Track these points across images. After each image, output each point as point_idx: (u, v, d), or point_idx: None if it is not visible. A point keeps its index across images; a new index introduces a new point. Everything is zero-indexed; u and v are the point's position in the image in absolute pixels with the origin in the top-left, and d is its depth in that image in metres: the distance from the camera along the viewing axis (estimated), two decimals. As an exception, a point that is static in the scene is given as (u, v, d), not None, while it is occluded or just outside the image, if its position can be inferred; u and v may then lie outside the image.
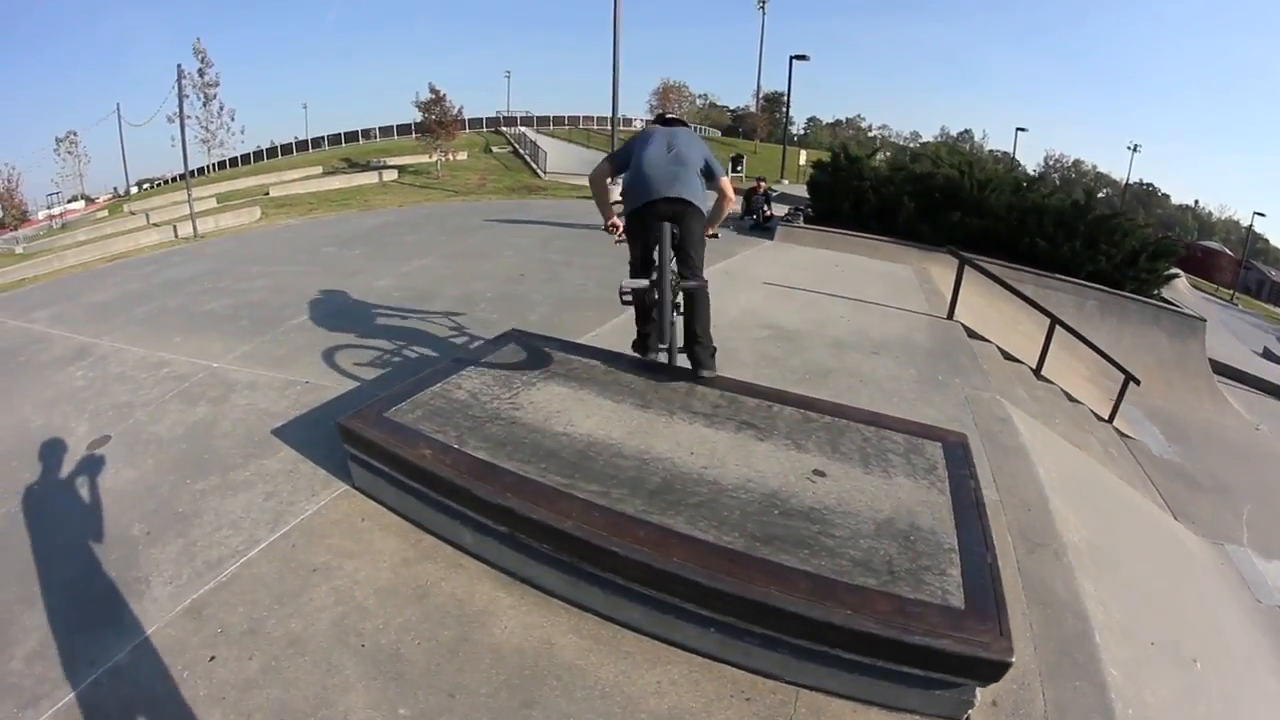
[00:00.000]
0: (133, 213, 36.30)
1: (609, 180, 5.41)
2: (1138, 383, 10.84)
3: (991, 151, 79.96)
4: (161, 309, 9.32)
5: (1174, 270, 17.56)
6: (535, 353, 5.33)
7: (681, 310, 4.98)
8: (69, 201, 60.61)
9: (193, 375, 6.63)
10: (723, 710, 2.85)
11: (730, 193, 5.29)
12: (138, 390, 6.48)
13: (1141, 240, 15.45)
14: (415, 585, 3.64)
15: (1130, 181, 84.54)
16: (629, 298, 5.07)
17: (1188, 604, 5.71)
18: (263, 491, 4.50)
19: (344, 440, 4.25)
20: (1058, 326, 9.77)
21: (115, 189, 68.34)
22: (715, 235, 5.52)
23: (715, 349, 5.03)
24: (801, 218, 16.84)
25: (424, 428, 4.10)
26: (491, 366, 5.04)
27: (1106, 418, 10.46)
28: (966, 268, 9.90)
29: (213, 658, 3.25)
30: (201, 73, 35.34)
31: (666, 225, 4.79)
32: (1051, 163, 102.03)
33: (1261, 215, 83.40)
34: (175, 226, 26.59)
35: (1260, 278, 61.26)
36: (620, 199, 5.29)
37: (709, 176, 5.16)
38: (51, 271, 22.07)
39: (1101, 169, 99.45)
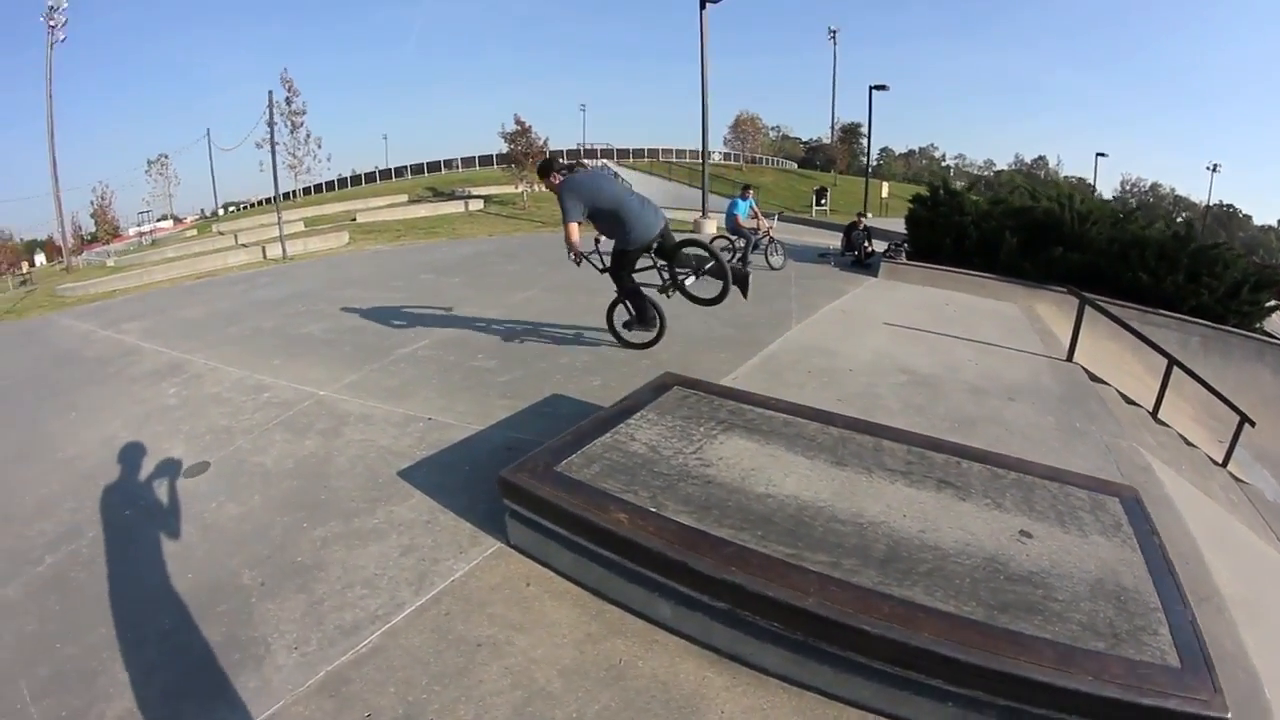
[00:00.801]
0: (220, 233, 37.27)
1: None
2: (1252, 424, 10.33)
3: (1067, 178, 78.57)
4: (256, 329, 9.46)
5: (1276, 302, 17.00)
6: (702, 400, 4.98)
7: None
8: (158, 220, 64.85)
9: (297, 403, 6.51)
10: None
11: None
12: (237, 415, 6.37)
13: (1243, 272, 14.86)
14: (607, 665, 3.24)
15: (1210, 204, 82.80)
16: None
17: None
18: (398, 544, 4.17)
19: (506, 496, 3.97)
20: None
21: (201, 210, 72.54)
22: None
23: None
24: (903, 254, 16.64)
25: (608, 486, 3.83)
26: (661, 415, 4.74)
27: (1221, 462, 9.97)
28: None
29: None
30: (289, 101, 36.68)
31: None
32: (1128, 187, 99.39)
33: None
34: (264, 248, 27.03)
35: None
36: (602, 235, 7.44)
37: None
38: (141, 285, 22.55)
39: (1180, 191, 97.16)
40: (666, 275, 7.72)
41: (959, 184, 18.51)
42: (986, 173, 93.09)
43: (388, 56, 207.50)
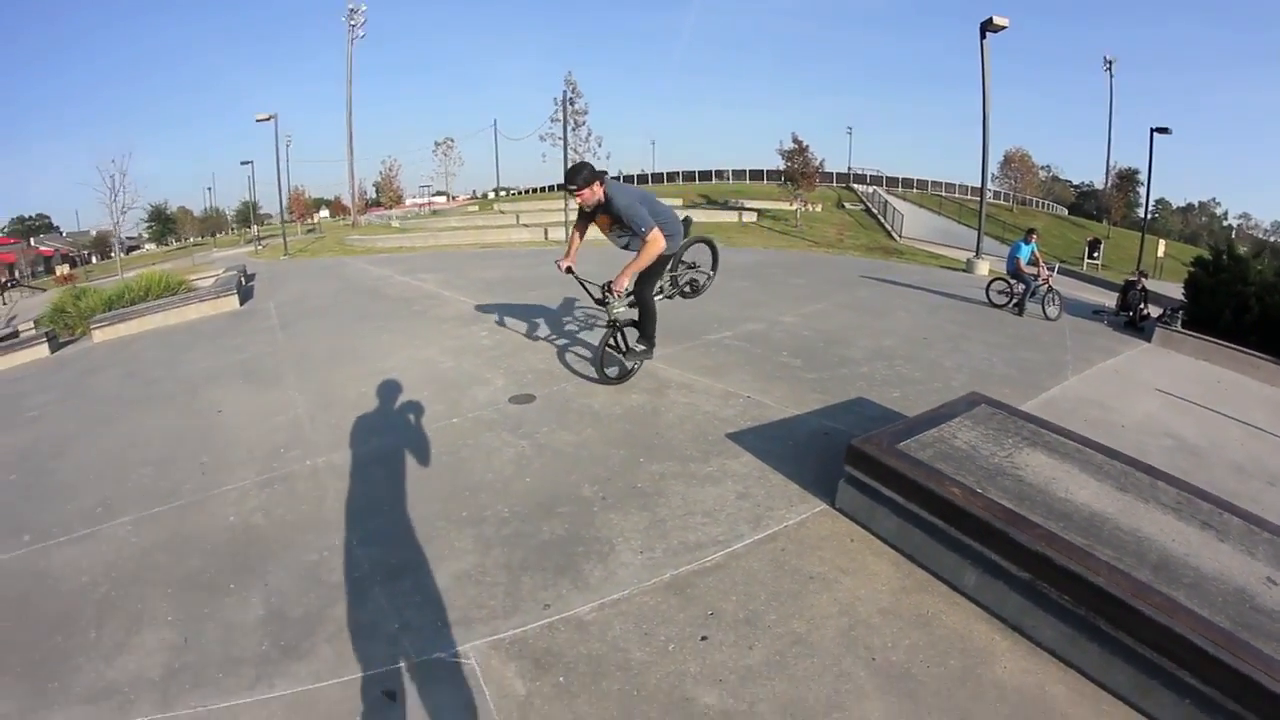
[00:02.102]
0: (502, 212, 40.17)
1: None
2: None
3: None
4: (549, 297, 10.44)
5: None
6: (1007, 419, 5.53)
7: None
8: (434, 195, 74.93)
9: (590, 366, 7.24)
10: None
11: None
12: (553, 362, 7.27)
13: None
14: (916, 613, 3.88)
15: None
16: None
17: None
18: (733, 490, 4.93)
19: (849, 462, 4.74)
20: None
21: (474, 191, 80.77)
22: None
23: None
24: (1179, 321, 16.25)
25: (941, 467, 4.49)
26: (975, 424, 5.33)
27: None
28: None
29: (704, 638, 3.56)
30: (572, 101, 39.07)
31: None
32: None
33: None
34: (546, 230, 28.88)
35: None
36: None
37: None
38: (426, 246, 24.86)
39: None
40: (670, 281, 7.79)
41: (1243, 249, 17.42)
42: (1275, 236, 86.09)
43: (657, 65, 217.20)
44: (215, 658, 3.41)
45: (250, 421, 6.10)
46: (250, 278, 16.54)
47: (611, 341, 6.93)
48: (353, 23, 48.71)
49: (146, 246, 73.27)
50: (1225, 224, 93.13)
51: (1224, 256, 16.51)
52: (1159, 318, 15.83)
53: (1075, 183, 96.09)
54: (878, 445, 4.70)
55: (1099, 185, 76.02)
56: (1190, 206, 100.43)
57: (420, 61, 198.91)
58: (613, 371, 7.02)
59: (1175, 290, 18.44)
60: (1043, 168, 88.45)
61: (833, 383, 7.32)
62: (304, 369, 7.34)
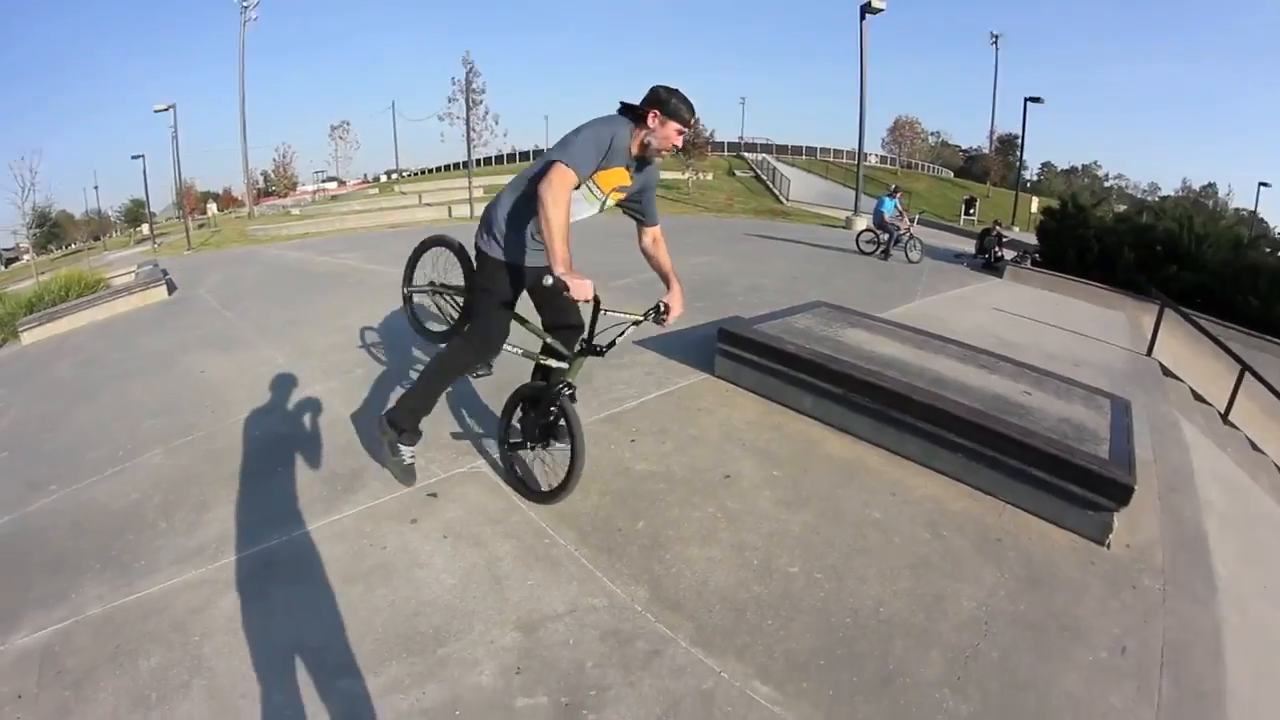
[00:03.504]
0: (403, 192, 40.76)
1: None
2: None
3: (1237, 210, 75.65)
4: None
5: None
6: (839, 313, 7.37)
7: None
8: (324, 181, 72.39)
9: None
10: (959, 500, 4.75)
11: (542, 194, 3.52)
12: None
13: None
14: (772, 424, 5.63)
15: None
16: None
17: None
18: (642, 372, 6.50)
19: (721, 340, 6.38)
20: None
21: (365, 175, 79.13)
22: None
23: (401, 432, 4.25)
24: (1029, 261, 18.19)
25: (784, 336, 6.26)
26: (814, 318, 7.04)
27: None
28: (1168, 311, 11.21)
29: (633, 440, 5.19)
30: (469, 80, 39.58)
31: None
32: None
33: None
34: (449, 207, 29.81)
35: None
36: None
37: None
38: (333, 230, 25.12)
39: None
40: None
41: (1085, 199, 19.61)
42: (1150, 196, 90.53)
43: (549, 40, 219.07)
44: (286, 508, 4.30)
45: (237, 375, 6.69)
46: (164, 273, 15.73)
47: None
48: (245, 3, 48.46)
49: (25, 257, 68.94)
50: (1106, 185, 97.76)
51: (1069, 206, 18.84)
52: (1013, 259, 17.72)
53: (964, 147, 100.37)
54: (740, 326, 6.52)
55: (987, 150, 79.29)
56: (1073, 169, 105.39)
57: (313, 40, 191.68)
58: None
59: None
60: (932, 133, 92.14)
61: (715, 309, 8.69)
62: (269, 334, 7.90)
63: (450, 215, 28.84)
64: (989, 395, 5.51)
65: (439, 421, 5.16)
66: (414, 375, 6.01)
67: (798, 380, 5.80)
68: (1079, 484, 4.53)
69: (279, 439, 5.20)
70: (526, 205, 3.90)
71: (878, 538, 4.30)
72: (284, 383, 6.16)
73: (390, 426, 4.19)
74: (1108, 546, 4.48)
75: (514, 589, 3.56)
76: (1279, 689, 4.06)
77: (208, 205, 57.47)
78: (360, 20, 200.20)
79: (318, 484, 4.50)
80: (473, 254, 4.15)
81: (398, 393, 5.31)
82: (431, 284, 4.90)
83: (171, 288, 12.31)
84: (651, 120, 3.88)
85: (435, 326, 5.20)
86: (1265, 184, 65.76)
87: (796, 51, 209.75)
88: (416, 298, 5.10)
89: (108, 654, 3.11)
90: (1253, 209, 67.27)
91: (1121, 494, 4.43)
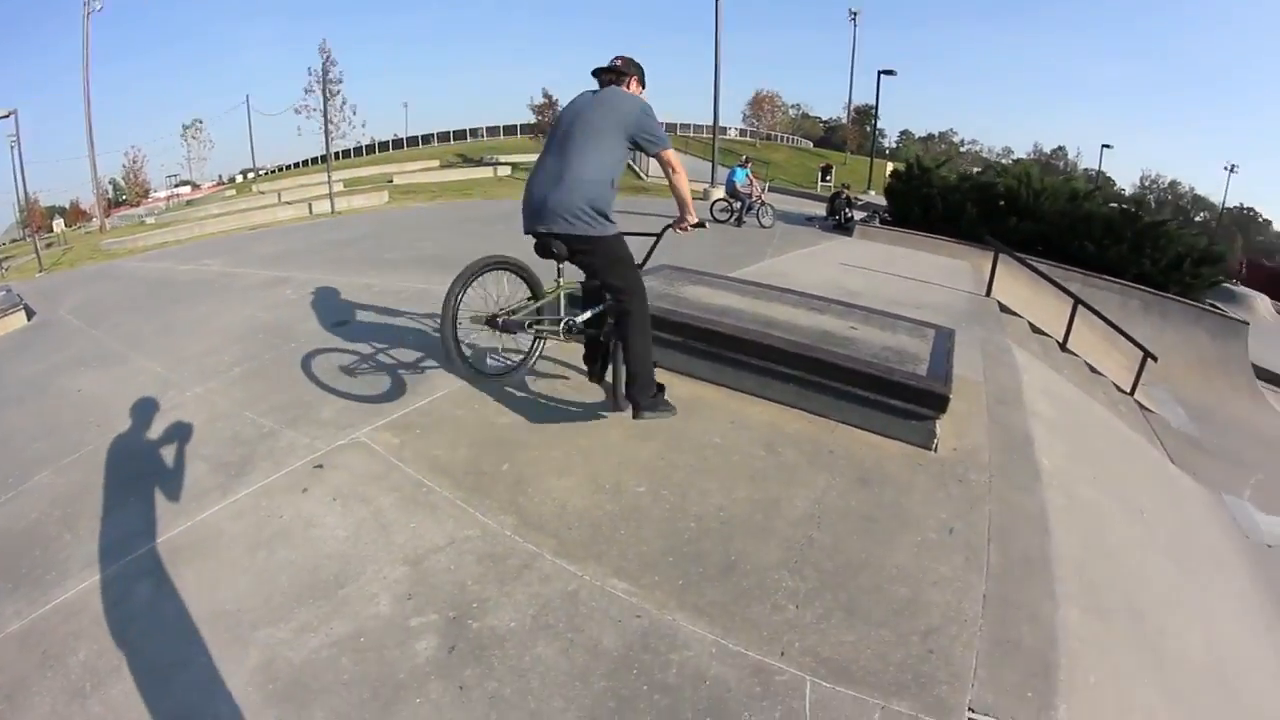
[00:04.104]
0: (262, 192, 39.59)
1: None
2: (1154, 359, 12.01)
3: (1086, 170, 79.32)
4: (340, 257, 11.28)
5: (1221, 277, 18.93)
6: (682, 274, 7.72)
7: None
8: (177, 186, 66.80)
9: (404, 291, 8.46)
10: (793, 422, 5.20)
11: (676, 173, 4.64)
12: (356, 300, 8.13)
13: (1187, 247, 16.87)
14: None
15: (1230, 205, 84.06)
16: None
17: (1158, 495, 7.21)
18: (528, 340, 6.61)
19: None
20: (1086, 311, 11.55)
21: (220, 176, 74.57)
22: (700, 224, 5.17)
23: (658, 389, 4.62)
24: (877, 220, 19.09)
25: None
26: (655, 279, 7.19)
27: (1129, 390, 11.83)
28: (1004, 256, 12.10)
29: (499, 400, 5.43)
30: (326, 70, 38.67)
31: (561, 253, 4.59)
32: (1148, 184, 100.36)
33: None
34: (310, 205, 29.19)
35: (1369, 309, 59.60)
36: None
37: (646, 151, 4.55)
38: (192, 237, 24.05)
39: (1201, 191, 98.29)
40: None
41: (929, 160, 20.66)
42: (1003, 159, 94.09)
43: (406, 21, 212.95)
44: (185, 498, 4.37)
45: (116, 389, 6.47)
46: (20, 298, 14.66)
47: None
48: (87, -9, 44.99)
49: None
50: (962, 150, 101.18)
51: (914, 168, 19.89)
52: (862, 219, 18.55)
53: (824, 119, 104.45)
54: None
55: (846, 121, 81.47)
56: (931, 136, 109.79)
57: (162, 34, 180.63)
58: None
59: (893, 203, 21.38)
60: (793, 106, 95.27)
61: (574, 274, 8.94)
62: (141, 346, 7.68)
63: (311, 212, 28.27)
64: (817, 331, 6.02)
65: (315, 404, 5.42)
66: (296, 366, 6.22)
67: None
68: (900, 398, 5.06)
69: (168, 440, 5.26)
70: (611, 188, 4.43)
71: (718, 458, 4.72)
72: (164, 389, 6.14)
73: (652, 400, 4.54)
74: (935, 450, 4.98)
75: (399, 532, 3.88)
76: (1105, 554, 4.76)
77: (53, 222, 53.85)
78: (208, 9, 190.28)
79: (211, 474, 4.62)
80: (578, 238, 4.42)
81: (493, 387, 5.69)
82: (507, 315, 4.94)
83: (30, 313, 11.88)
84: (634, 86, 4.72)
85: (494, 364, 5.62)
86: (1108, 145, 70.16)
87: (657, 26, 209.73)
88: (463, 335, 4.80)
89: (35, 661, 3.22)
90: (1099, 168, 71.18)
91: (938, 403, 4.95)
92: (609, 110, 4.44)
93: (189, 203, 49.00)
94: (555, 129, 4.63)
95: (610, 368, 4.90)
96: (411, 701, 2.88)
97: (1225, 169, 77.78)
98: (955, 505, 4.39)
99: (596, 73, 4.71)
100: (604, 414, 5.24)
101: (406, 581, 3.53)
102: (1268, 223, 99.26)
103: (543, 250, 4.59)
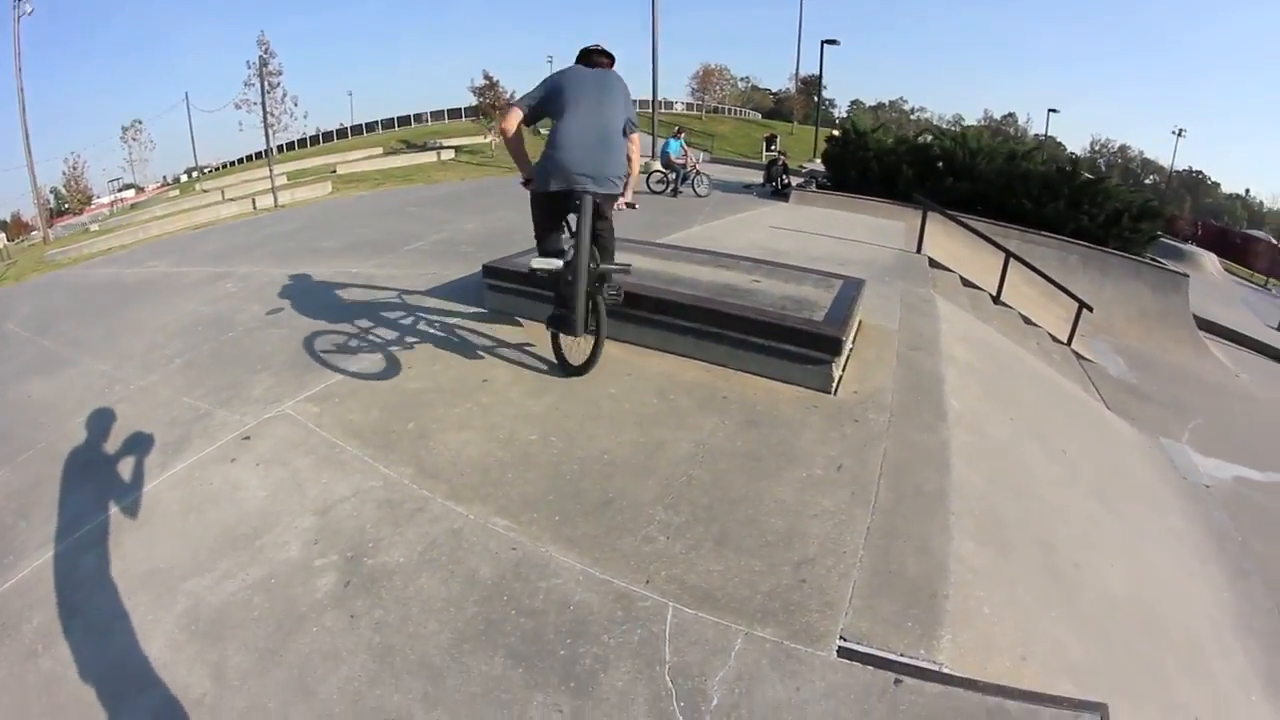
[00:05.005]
0: (205, 190, 38.77)
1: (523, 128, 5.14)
2: (1089, 309, 11.99)
3: (1037, 135, 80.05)
4: (281, 249, 11.27)
5: (1160, 232, 19.19)
6: None
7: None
8: (120, 191, 64.67)
9: (338, 276, 8.63)
10: (690, 372, 5.37)
11: (637, 154, 5.24)
12: (297, 287, 8.34)
13: (1125, 202, 17.01)
14: (532, 337, 6.05)
15: (1179, 169, 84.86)
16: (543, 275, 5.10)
17: (1088, 438, 7.22)
18: (442, 307, 6.96)
19: (487, 275, 6.73)
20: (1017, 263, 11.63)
21: (164, 177, 71.07)
22: (633, 205, 5.94)
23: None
24: (814, 184, 19.18)
25: (537, 264, 6.42)
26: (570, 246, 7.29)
27: (1065, 341, 11.80)
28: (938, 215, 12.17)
29: (411, 368, 5.52)
30: (264, 62, 37.91)
31: (588, 209, 4.75)
32: (1098, 148, 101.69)
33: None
34: (253, 200, 28.70)
35: (1308, 267, 60.98)
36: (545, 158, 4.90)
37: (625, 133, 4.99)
38: (137, 240, 23.58)
39: (1150, 155, 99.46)
40: None
41: (866, 125, 20.83)
42: (954, 127, 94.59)
43: (351, 12, 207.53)
44: (128, 477, 4.56)
45: (65, 390, 6.46)
46: None
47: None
48: (15, -6, 44.09)
49: None
50: (912, 118, 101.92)
51: (851, 132, 19.97)
52: (798, 185, 18.62)
53: (773, 90, 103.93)
54: (503, 261, 6.85)
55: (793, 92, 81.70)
56: (882, 104, 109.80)
57: (97, 35, 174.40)
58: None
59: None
60: (742, 79, 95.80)
61: (496, 255, 8.85)
62: (89, 349, 7.56)
63: (255, 207, 27.80)
64: (719, 285, 6.11)
65: (247, 384, 5.61)
66: (233, 353, 6.44)
67: (549, 297, 6.10)
68: (795, 343, 5.16)
69: (114, 430, 5.35)
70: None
71: (610, 406, 4.89)
72: (111, 385, 6.21)
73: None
74: (835, 394, 5.07)
75: (311, 488, 4.14)
76: (1015, 490, 4.74)
77: (-10, 238, 52.09)
78: (142, 6, 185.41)
79: (152, 453, 4.79)
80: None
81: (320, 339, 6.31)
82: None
83: (-27, 329, 11.77)
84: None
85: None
86: (1054, 110, 71.11)
87: (600, 4, 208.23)
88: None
89: (-9, 636, 3.39)
90: (1045, 133, 72.10)
91: (832, 346, 5.07)
92: (620, 89, 4.97)
93: (133, 206, 46.93)
94: (579, 93, 4.85)
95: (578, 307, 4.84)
96: (310, 630, 3.13)
97: (1174, 133, 78.56)
98: (848, 444, 4.47)
99: (587, 53, 5.06)
100: (506, 374, 5.42)
101: (314, 529, 3.78)
102: (1216, 185, 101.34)
103: (565, 208, 5.01)
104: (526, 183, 5.19)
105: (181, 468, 4.52)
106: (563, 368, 5.43)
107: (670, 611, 3.12)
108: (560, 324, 5.02)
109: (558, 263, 4.95)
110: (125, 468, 4.69)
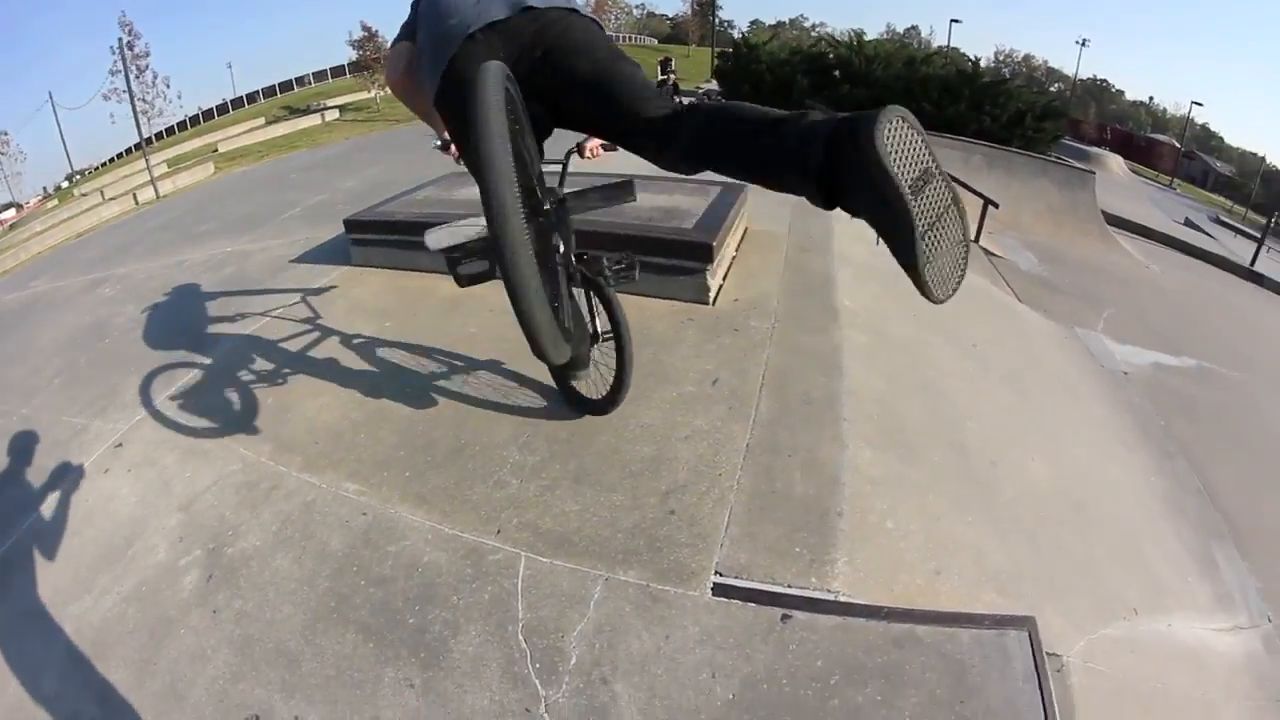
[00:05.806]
0: (84, 194, 37.08)
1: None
2: (995, 205, 11.95)
3: (941, 47, 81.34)
4: (159, 241, 10.78)
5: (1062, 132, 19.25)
6: (459, 179, 7.10)
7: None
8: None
9: (215, 257, 8.31)
10: None
11: None
12: (171, 279, 7.91)
13: (1028, 103, 17.09)
14: (395, 287, 5.77)
15: (1083, 77, 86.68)
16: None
17: (1000, 331, 7.08)
18: (309, 273, 6.50)
19: (349, 230, 6.37)
20: None
21: (44, 188, 66.42)
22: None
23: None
24: (704, 99, 18.75)
25: (398, 210, 6.35)
26: (434, 188, 7.01)
27: (973, 238, 11.17)
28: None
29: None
30: (130, 45, 36.14)
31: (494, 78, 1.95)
32: (1002, 58, 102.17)
33: (1199, 105, 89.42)
34: (134, 195, 27.68)
35: (1205, 168, 63.77)
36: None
37: None
38: (20, 262, 23.07)
39: (1055, 65, 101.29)
40: None
41: (761, 38, 20.59)
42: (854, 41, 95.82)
43: None
44: (16, 507, 4.30)
45: None
46: None
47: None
48: None
49: None
50: (813, 34, 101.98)
51: (741, 46, 19.67)
52: (690, 103, 18.27)
53: (670, 15, 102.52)
54: (363, 213, 6.56)
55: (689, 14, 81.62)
56: (781, 23, 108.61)
57: None
58: None
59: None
60: (637, 5, 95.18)
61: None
62: None
63: (136, 202, 26.55)
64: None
65: (121, 389, 5.24)
66: (107, 360, 5.96)
67: (414, 243, 5.67)
68: (664, 255, 4.84)
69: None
70: None
71: (466, 346, 4.62)
72: None
73: None
74: (712, 304, 4.81)
75: (177, 483, 3.90)
76: (920, 389, 4.54)
77: None
78: None
79: (35, 483, 4.49)
80: None
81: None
82: None
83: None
84: None
85: None
86: (957, 20, 72.14)
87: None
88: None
89: None
90: (949, 44, 73.01)
91: (703, 252, 4.77)
92: None
93: (12, 227, 45.26)
94: None
95: None
96: (178, 634, 2.97)
97: (1077, 43, 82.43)
98: (725, 355, 4.25)
99: None
100: (369, 329, 5.17)
101: (180, 527, 3.60)
102: (1120, 92, 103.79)
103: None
104: (445, 146, 3.34)
105: (60, 491, 4.26)
106: (577, 405, 3.82)
107: (522, 563, 2.92)
108: (534, 347, 2.06)
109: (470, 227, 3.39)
110: (9, 506, 4.40)
